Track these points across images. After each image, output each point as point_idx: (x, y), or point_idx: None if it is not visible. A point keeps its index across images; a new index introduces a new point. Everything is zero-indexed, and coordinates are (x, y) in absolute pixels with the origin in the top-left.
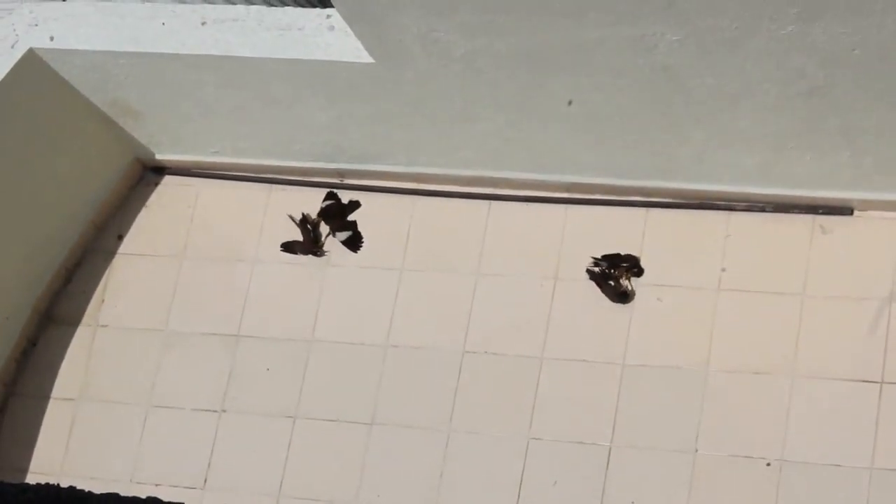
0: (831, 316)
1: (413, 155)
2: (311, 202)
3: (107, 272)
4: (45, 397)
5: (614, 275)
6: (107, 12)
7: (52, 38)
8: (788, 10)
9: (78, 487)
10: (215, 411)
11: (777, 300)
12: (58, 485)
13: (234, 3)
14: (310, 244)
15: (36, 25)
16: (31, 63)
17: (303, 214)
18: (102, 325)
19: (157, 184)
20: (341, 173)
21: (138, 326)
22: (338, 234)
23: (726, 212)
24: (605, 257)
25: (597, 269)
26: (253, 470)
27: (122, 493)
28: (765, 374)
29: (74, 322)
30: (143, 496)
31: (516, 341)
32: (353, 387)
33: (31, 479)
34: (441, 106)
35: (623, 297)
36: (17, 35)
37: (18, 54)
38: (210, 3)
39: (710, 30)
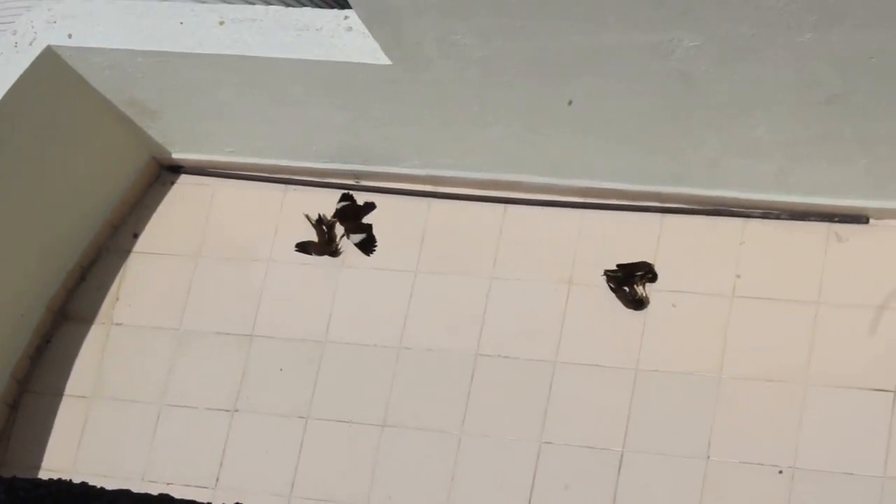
0: (845, 324)
1: (429, 157)
2: (327, 203)
3: (122, 271)
4: (58, 395)
5: (629, 282)
6: (125, 10)
7: (70, 36)
8: (807, 17)
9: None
10: (228, 411)
11: (791, 308)
12: (70, 481)
13: (252, 3)
14: (325, 245)
15: (54, 23)
16: (49, 60)
17: (318, 215)
18: (117, 324)
19: (173, 183)
20: (357, 175)
21: (152, 325)
22: (352, 236)
23: (742, 218)
24: (620, 267)
25: (612, 276)
26: (265, 470)
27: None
28: (778, 381)
29: (89, 320)
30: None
31: (530, 345)
32: (365, 388)
33: (43, 475)
34: (457, 109)
35: (637, 304)
36: (35, 32)
37: (36, 51)
38: (228, 2)
39: (727, 36)
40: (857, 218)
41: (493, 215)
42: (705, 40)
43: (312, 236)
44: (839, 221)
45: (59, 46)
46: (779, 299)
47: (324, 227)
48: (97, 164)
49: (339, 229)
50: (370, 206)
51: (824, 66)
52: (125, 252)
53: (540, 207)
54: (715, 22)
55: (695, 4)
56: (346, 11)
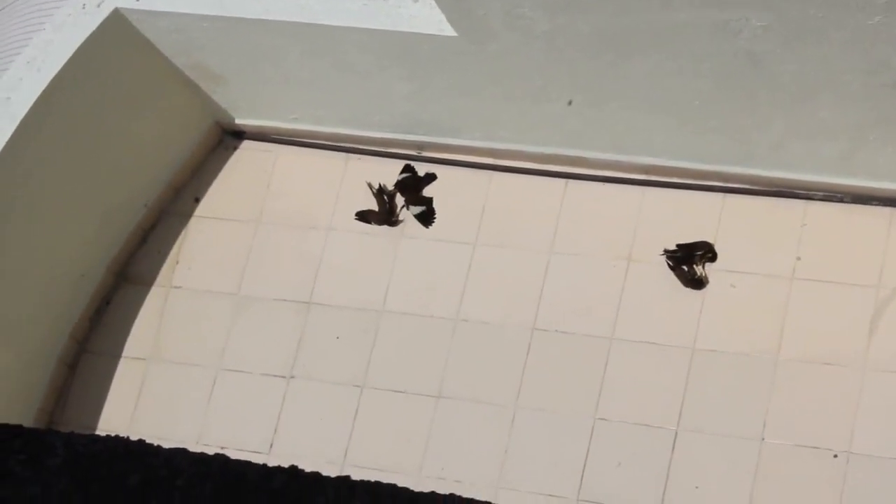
0: None
1: (491, 130)
2: (388, 173)
3: (182, 234)
4: (116, 356)
5: (689, 261)
6: None
7: None
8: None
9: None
10: (284, 377)
11: (851, 291)
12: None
13: None
14: (385, 214)
15: None
16: (117, 23)
17: (379, 185)
18: (176, 287)
19: (235, 148)
20: (419, 146)
21: (211, 289)
22: (412, 207)
23: (804, 200)
24: (679, 247)
25: (671, 255)
26: (319, 437)
27: None
28: (835, 364)
29: (148, 283)
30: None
31: (586, 321)
32: (421, 359)
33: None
34: (521, 82)
35: (697, 283)
36: None
37: (105, 13)
38: None
39: (796, 17)
40: None
41: (554, 190)
42: (773, 20)
43: (373, 205)
44: None
45: (126, 9)
46: (839, 282)
47: (385, 197)
48: (160, 127)
49: (400, 200)
50: (431, 177)
51: (892, 49)
52: (186, 216)
53: (601, 183)
54: (783, 2)
55: None
56: None
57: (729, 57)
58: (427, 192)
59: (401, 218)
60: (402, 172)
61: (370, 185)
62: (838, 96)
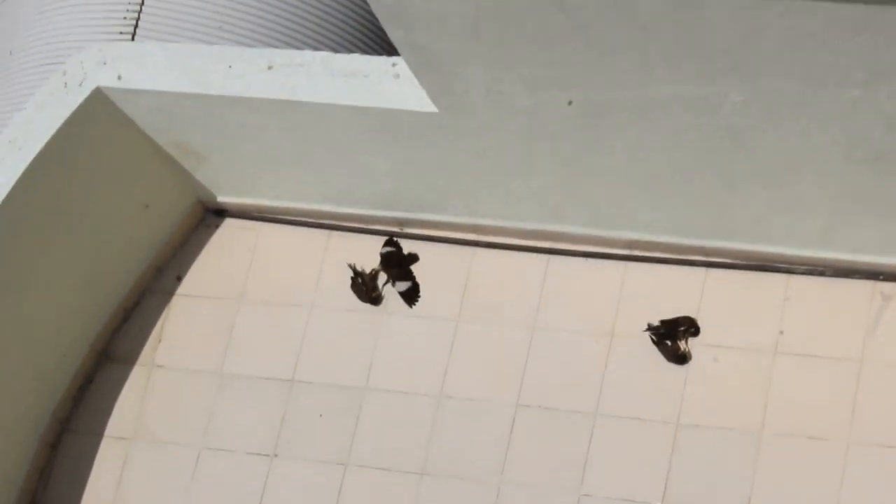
0: (890, 383)
1: (473, 205)
2: (370, 250)
3: (164, 313)
4: (98, 435)
5: (672, 336)
6: (174, 54)
7: (119, 77)
8: (855, 74)
9: None
10: (267, 455)
11: (835, 365)
12: None
13: (300, 49)
14: (367, 294)
15: (104, 64)
16: (98, 101)
17: (360, 266)
18: (158, 366)
19: (217, 226)
20: (400, 222)
21: (194, 368)
22: (397, 284)
23: (786, 274)
24: (662, 322)
25: (654, 331)
26: None
27: None
28: (820, 439)
29: (131, 361)
30: None
31: (570, 396)
32: (405, 436)
33: None
34: (503, 157)
35: (680, 358)
36: (85, 73)
37: (86, 92)
38: (276, 47)
39: (774, 92)
40: None
41: (537, 266)
42: (752, 95)
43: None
44: (885, 280)
45: (108, 88)
46: (822, 356)
47: (364, 278)
48: (143, 205)
49: (382, 277)
50: (414, 258)
51: (872, 123)
52: (168, 294)
53: (583, 259)
54: (762, 77)
55: (743, 59)
56: (395, 58)
57: (709, 131)
58: (410, 269)
59: (383, 294)
60: (385, 246)
61: (352, 267)
62: (818, 171)
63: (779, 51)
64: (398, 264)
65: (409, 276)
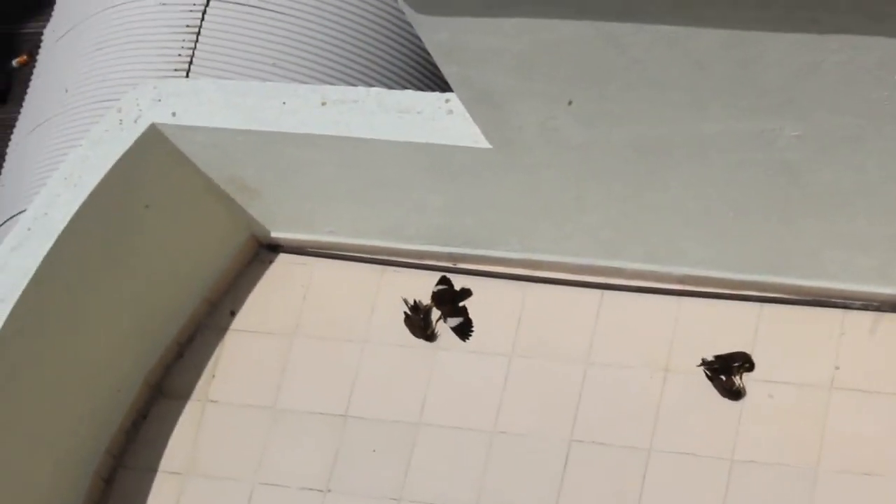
0: None
1: (526, 241)
2: (424, 285)
3: (218, 348)
4: (152, 471)
5: (726, 372)
6: (228, 90)
7: (174, 114)
8: None
9: None
10: (320, 490)
11: (892, 401)
12: None
13: (353, 85)
14: (421, 329)
15: (159, 101)
16: (153, 137)
17: (414, 301)
18: (212, 401)
19: (271, 261)
20: (454, 257)
21: (247, 403)
22: (449, 319)
23: (841, 309)
24: (717, 357)
25: (709, 366)
26: None
27: None
28: (877, 475)
29: (185, 396)
30: None
31: (624, 432)
32: (459, 471)
33: None
34: (556, 194)
35: (735, 394)
36: (140, 110)
37: (141, 128)
38: (330, 83)
39: (830, 127)
40: None
41: (590, 301)
42: (807, 129)
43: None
44: None
45: (162, 124)
46: (878, 392)
47: (420, 314)
48: (197, 240)
49: (436, 313)
50: (466, 293)
51: None
52: (222, 329)
53: (637, 294)
54: (818, 111)
55: (797, 94)
56: (448, 94)
57: (764, 167)
58: (463, 304)
59: (437, 332)
60: (438, 284)
61: (405, 302)
62: (874, 205)
63: (834, 86)
64: (450, 300)
65: (462, 312)
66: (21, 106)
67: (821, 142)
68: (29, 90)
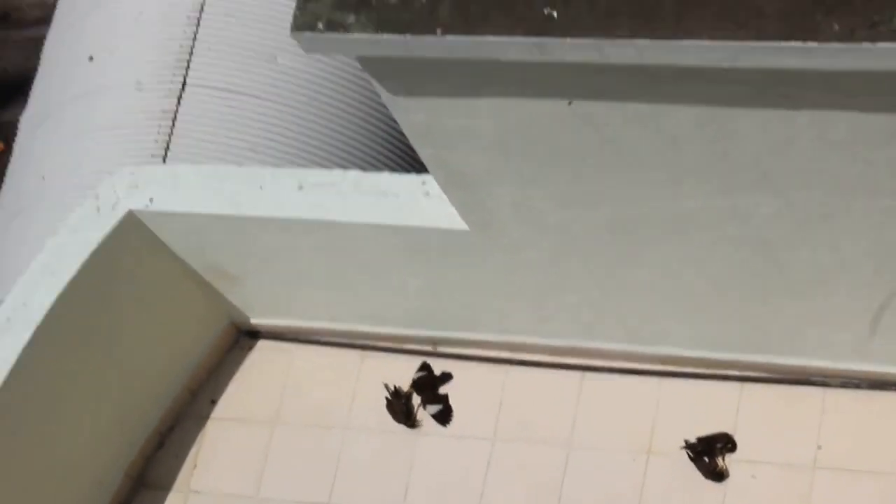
0: None
1: (506, 323)
2: (404, 369)
3: (199, 437)
4: None
5: (709, 453)
6: (206, 175)
7: (151, 201)
8: (886, 184)
9: None
10: None
11: (874, 479)
12: None
13: (330, 168)
14: (403, 416)
15: (136, 187)
16: (131, 224)
17: (395, 387)
18: (194, 491)
19: (251, 348)
20: (434, 340)
21: (230, 492)
22: (429, 406)
23: (822, 387)
24: (699, 440)
25: (691, 448)
26: None
27: None
28: None
29: (166, 487)
30: None
31: None
32: None
33: None
34: (534, 274)
35: (718, 476)
36: (117, 196)
37: (119, 215)
38: (306, 167)
39: (805, 203)
40: None
41: (571, 383)
42: (783, 206)
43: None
44: None
45: (140, 211)
46: (861, 470)
47: (401, 399)
48: (176, 329)
49: (417, 398)
50: (447, 377)
51: None
52: (203, 418)
53: (618, 375)
54: (792, 188)
55: (771, 170)
56: (424, 177)
57: (740, 244)
58: (444, 387)
59: (420, 420)
60: (418, 371)
61: (386, 387)
62: (851, 282)
63: (807, 162)
64: (430, 387)
65: (442, 399)
66: None
67: (796, 218)
68: (6, 178)
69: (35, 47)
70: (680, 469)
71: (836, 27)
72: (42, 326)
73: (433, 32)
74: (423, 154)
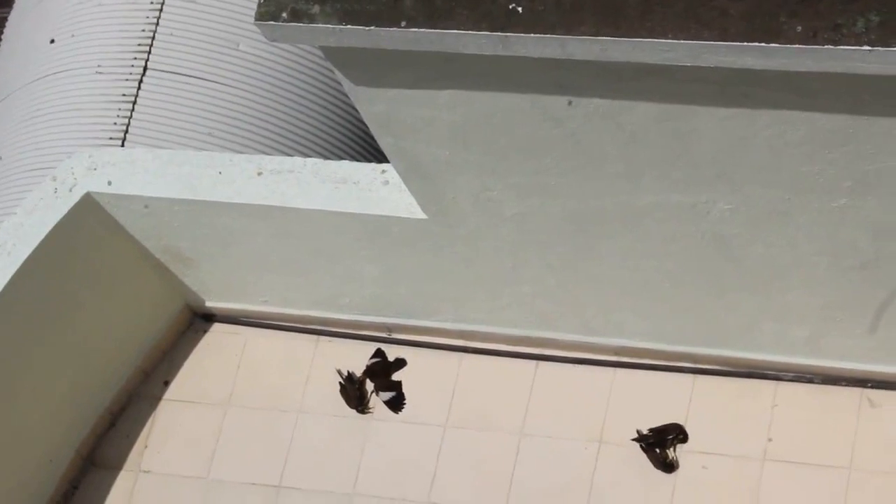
0: (878, 490)
1: (461, 312)
2: (358, 355)
3: (151, 418)
4: None
5: (660, 444)
6: (164, 159)
7: (109, 183)
8: (841, 183)
9: None
10: None
11: (823, 472)
12: None
13: (290, 155)
14: (355, 401)
15: (94, 169)
16: (88, 206)
17: (349, 373)
18: (144, 471)
19: (205, 331)
20: (388, 327)
21: (180, 473)
22: (381, 393)
23: (774, 381)
24: (651, 430)
25: (643, 439)
26: None
27: None
28: None
29: (117, 467)
30: None
31: (559, 503)
32: None
33: None
34: (491, 264)
35: (668, 466)
36: (75, 178)
37: (76, 197)
38: (266, 153)
39: (761, 201)
40: (890, 384)
41: (525, 372)
42: (739, 203)
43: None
44: (872, 387)
45: (98, 193)
46: (810, 464)
47: (354, 385)
48: (131, 310)
49: (370, 385)
50: (401, 363)
51: (859, 231)
52: (156, 399)
53: (572, 365)
54: (749, 185)
55: (729, 167)
56: (384, 165)
57: (697, 239)
58: (398, 374)
59: (371, 407)
60: (372, 357)
61: (339, 372)
62: (806, 278)
63: (765, 160)
64: (384, 373)
65: (395, 386)
66: None
67: (752, 215)
68: None
69: None
70: (631, 459)
71: (799, 29)
72: None
73: (398, 25)
74: (384, 143)
